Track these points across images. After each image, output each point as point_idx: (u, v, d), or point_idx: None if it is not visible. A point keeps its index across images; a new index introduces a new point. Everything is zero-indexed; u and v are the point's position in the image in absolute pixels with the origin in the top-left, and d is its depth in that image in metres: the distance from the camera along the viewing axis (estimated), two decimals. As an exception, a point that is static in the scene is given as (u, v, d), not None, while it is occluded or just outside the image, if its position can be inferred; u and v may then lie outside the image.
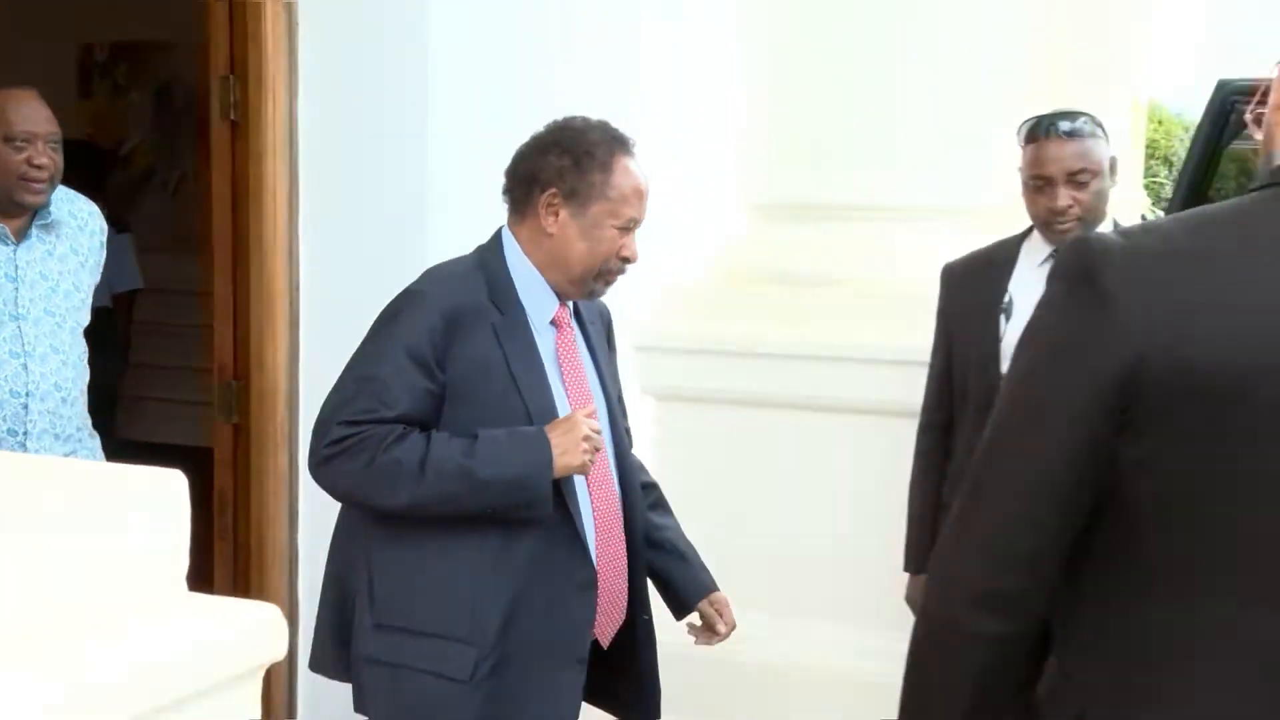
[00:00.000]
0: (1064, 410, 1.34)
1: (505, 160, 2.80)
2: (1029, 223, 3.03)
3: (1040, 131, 2.77)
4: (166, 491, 1.16)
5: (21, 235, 2.99)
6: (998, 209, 3.66)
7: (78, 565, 1.08)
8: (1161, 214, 2.85)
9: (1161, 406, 1.29)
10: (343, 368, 2.33)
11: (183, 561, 1.16)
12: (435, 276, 2.41)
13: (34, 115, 2.96)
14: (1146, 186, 7.25)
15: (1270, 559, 1.30)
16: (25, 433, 2.96)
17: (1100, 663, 1.39)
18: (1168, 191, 7.95)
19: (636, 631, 2.47)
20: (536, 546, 2.26)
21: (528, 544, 2.24)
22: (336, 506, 2.56)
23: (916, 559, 3.07)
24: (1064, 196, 2.72)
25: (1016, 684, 1.43)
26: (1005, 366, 2.79)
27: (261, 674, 1.16)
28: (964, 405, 2.98)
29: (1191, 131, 9.51)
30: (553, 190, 2.29)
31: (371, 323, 2.36)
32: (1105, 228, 2.85)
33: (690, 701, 3.57)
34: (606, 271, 2.36)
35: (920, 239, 3.66)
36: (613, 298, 4.00)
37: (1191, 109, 16.90)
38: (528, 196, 2.34)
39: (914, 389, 3.34)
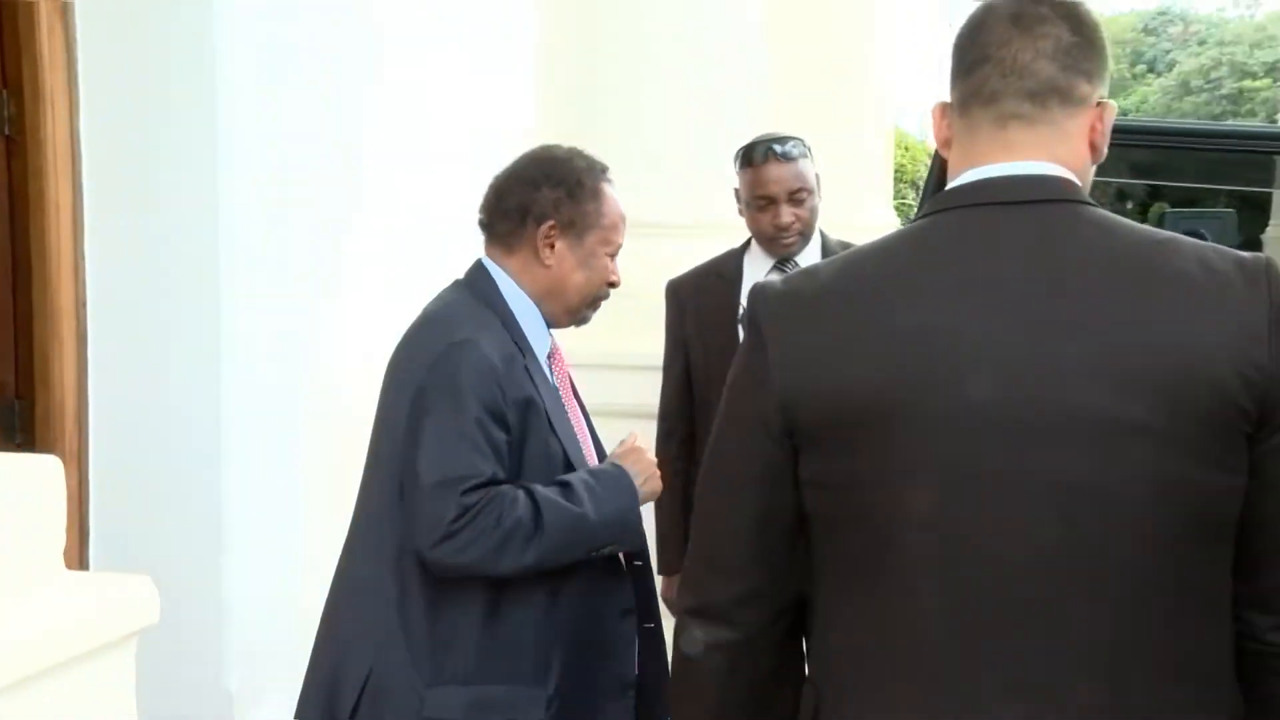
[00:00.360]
0: (745, 440, 1.44)
1: (296, 171, 2.78)
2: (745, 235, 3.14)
3: (759, 155, 2.91)
4: (42, 476, 1.19)
5: None
6: (717, 225, 3.79)
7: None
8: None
9: (812, 433, 1.38)
10: (422, 431, 2.11)
11: (59, 540, 1.20)
12: (462, 319, 2.22)
13: None
14: (896, 209, 7.63)
15: (921, 561, 1.36)
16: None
17: (817, 663, 1.48)
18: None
19: (648, 641, 2.37)
20: (585, 580, 2.19)
21: (577, 579, 2.17)
22: (128, 525, 2.43)
23: (668, 562, 3.12)
24: (786, 214, 2.87)
25: (758, 684, 1.48)
26: None
27: (134, 642, 1.21)
28: (705, 412, 2.97)
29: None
30: (550, 223, 2.23)
31: (417, 380, 2.16)
32: (815, 241, 3.02)
33: None
34: (597, 298, 2.32)
35: (647, 250, 3.62)
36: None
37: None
38: (519, 230, 2.26)
39: (647, 392, 3.42)
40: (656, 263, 3.61)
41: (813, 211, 2.92)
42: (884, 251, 1.47)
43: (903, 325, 1.36)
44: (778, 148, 2.89)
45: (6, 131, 3.15)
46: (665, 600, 3.05)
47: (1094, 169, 1.52)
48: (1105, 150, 1.48)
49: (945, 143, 1.51)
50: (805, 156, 2.93)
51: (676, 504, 3.05)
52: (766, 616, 1.46)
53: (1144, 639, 1.35)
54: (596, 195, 2.29)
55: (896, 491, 1.36)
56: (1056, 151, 1.42)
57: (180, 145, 3.10)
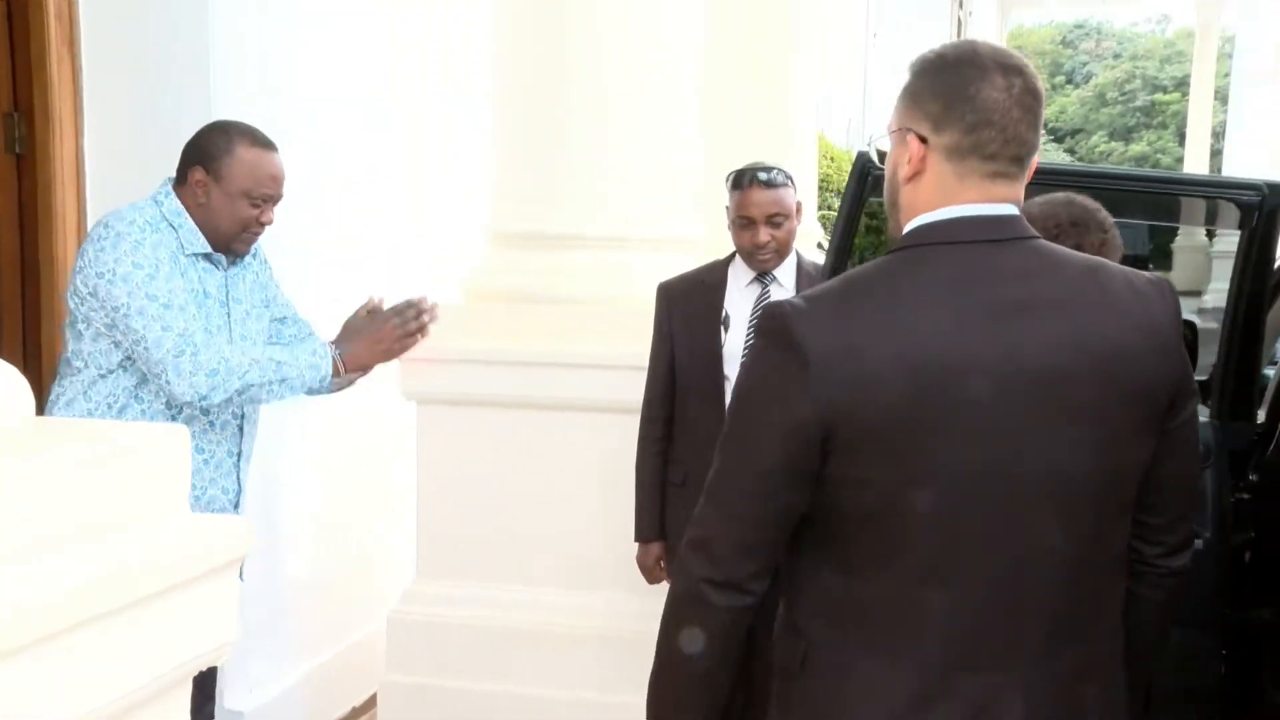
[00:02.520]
0: (779, 442, 1.60)
1: (292, 186, 3.02)
2: (711, 248, 3.41)
3: (744, 181, 3.18)
4: (172, 439, 1.56)
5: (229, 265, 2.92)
6: (689, 239, 4.05)
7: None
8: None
9: (847, 441, 1.56)
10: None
11: (185, 488, 1.57)
12: None
13: (278, 177, 2.89)
14: (821, 218, 7.82)
15: (932, 549, 1.59)
16: (240, 453, 2.89)
17: (821, 620, 1.67)
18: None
19: None
20: None
21: None
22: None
23: (645, 528, 3.39)
24: (764, 234, 3.14)
25: (742, 637, 1.71)
26: (727, 367, 3.21)
27: (236, 567, 1.58)
28: (685, 399, 3.30)
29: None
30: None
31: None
32: (791, 259, 3.28)
33: (457, 665, 3.86)
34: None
35: (628, 264, 3.93)
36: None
37: (858, 144, 18.16)
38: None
39: (628, 389, 3.58)
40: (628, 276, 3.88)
41: (790, 233, 3.19)
42: (891, 279, 1.64)
43: (921, 348, 1.56)
44: (762, 175, 3.16)
45: (18, 150, 3.43)
46: (640, 564, 3.39)
47: None
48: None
49: (915, 174, 1.68)
50: (787, 185, 3.18)
51: (656, 480, 3.34)
52: (767, 585, 1.69)
53: (1099, 604, 1.68)
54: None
55: (916, 489, 1.57)
56: (1018, 196, 1.68)
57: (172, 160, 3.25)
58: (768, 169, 3.19)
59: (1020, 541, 1.60)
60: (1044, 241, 1.69)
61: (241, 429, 2.89)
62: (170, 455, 1.55)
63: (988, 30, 25.25)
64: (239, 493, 2.92)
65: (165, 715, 1.54)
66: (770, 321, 1.64)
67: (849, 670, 1.65)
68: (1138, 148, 35.77)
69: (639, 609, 3.70)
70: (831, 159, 11.17)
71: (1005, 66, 1.64)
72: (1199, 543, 2.06)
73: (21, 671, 1.29)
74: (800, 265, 3.29)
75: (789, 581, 1.72)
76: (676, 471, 3.33)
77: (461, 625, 3.90)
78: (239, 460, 2.90)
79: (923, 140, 1.66)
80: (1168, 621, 1.85)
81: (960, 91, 1.63)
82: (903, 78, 1.72)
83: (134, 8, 3.53)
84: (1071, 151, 36.96)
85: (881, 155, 2.64)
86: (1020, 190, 1.69)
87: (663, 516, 3.32)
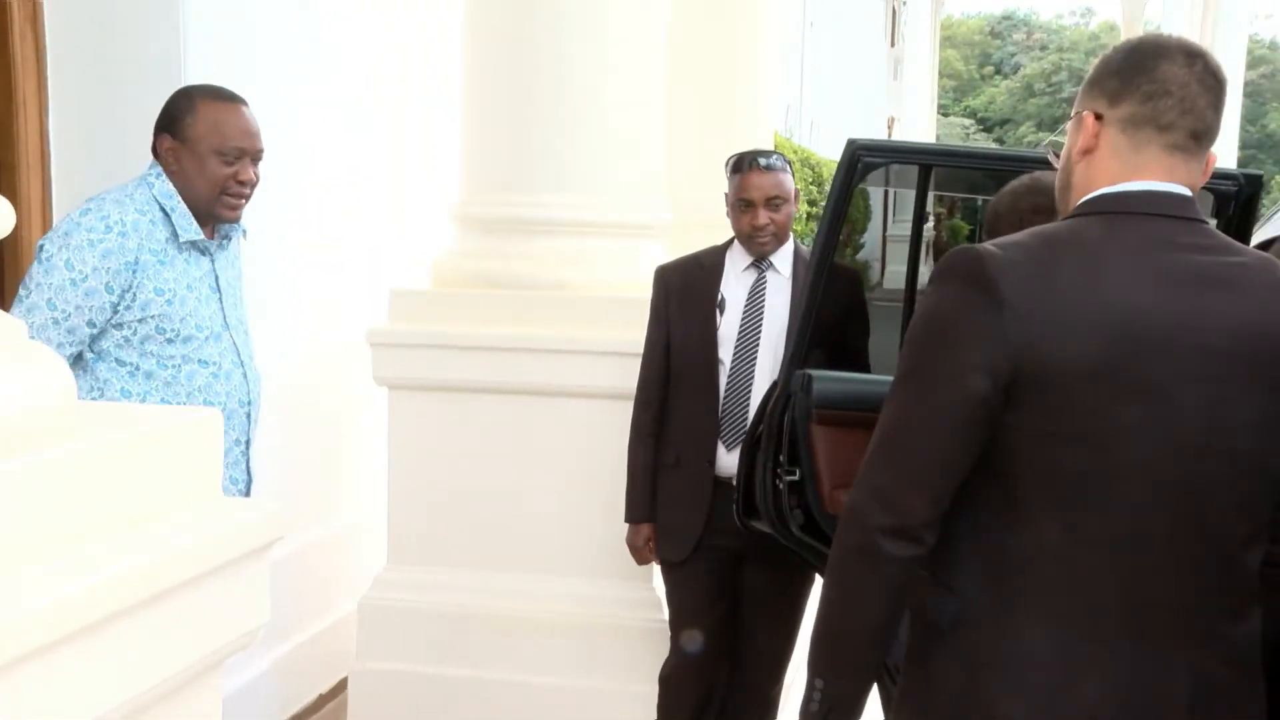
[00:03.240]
0: (965, 383, 1.59)
1: (260, 166, 3.00)
2: (675, 235, 3.44)
3: (745, 165, 3.18)
4: (204, 423, 1.54)
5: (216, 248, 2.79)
6: (655, 226, 4.06)
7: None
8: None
9: (1031, 383, 1.58)
10: None
11: (217, 471, 1.54)
12: None
13: (248, 130, 2.75)
14: None
15: (1086, 499, 1.59)
16: (248, 441, 2.80)
17: (973, 575, 1.67)
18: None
19: None
20: None
21: None
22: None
23: (636, 510, 3.38)
24: (763, 216, 3.14)
25: (910, 591, 1.69)
26: (721, 350, 3.22)
27: (271, 548, 1.56)
28: (679, 381, 3.29)
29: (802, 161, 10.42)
30: None
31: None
32: (789, 246, 3.28)
33: (429, 651, 3.86)
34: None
35: (593, 250, 3.94)
36: (352, 301, 4.22)
37: (798, 129, 18.34)
38: None
39: (596, 374, 3.66)
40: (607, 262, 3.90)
41: (788, 217, 3.21)
42: (1083, 238, 1.65)
43: (1120, 307, 1.57)
44: (761, 160, 3.17)
45: (-20, 130, 3.34)
46: (630, 545, 3.40)
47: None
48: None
49: (1086, 150, 1.71)
50: (785, 170, 3.20)
51: (648, 461, 3.33)
52: (935, 540, 1.66)
53: (1252, 587, 1.67)
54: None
55: (1097, 444, 1.58)
56: (1195, 181, 1.69)
57: (142, 143, 3.17)
58: (766, 154, 3.22)
59: (1193, 511, 1.61)
60: (1212, 227, 1.71)
61: (250, 416, 2.83)
62: (204, 438, 1.53)
63: (920, 19, 25.54)
64: (249, 482, 2.88)
65: (201, 700, 1.53)
66: (961, 262, 1.64)
67: (1005, 631, 1.64)
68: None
69: (608, 594, 3.80)
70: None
71: (1189, 50, 1.67)
72: None
73: (64, 662, 1.27)
74: (798, 252, 3.31)
75: (944, 536, 1.69)
76: (668, 453, 3.33)
77: (433, 612, 3.89)
78: (247, 448, 2.85)
79: (1098, 117, 1.69)
80: None
81: (1140, 65, 1.66)
82: (1063, 60, 1.76)
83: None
84: (1000, 141, 37.51)
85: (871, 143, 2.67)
86: (1197, 174, 1.70)
87: (653, 498, 3.34)
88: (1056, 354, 1.57)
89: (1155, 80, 1.65)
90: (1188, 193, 1.68)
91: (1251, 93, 32.19)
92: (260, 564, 1.56)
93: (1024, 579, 1.64)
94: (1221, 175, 2.72)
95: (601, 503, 3.68)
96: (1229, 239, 1.72)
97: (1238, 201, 2.67)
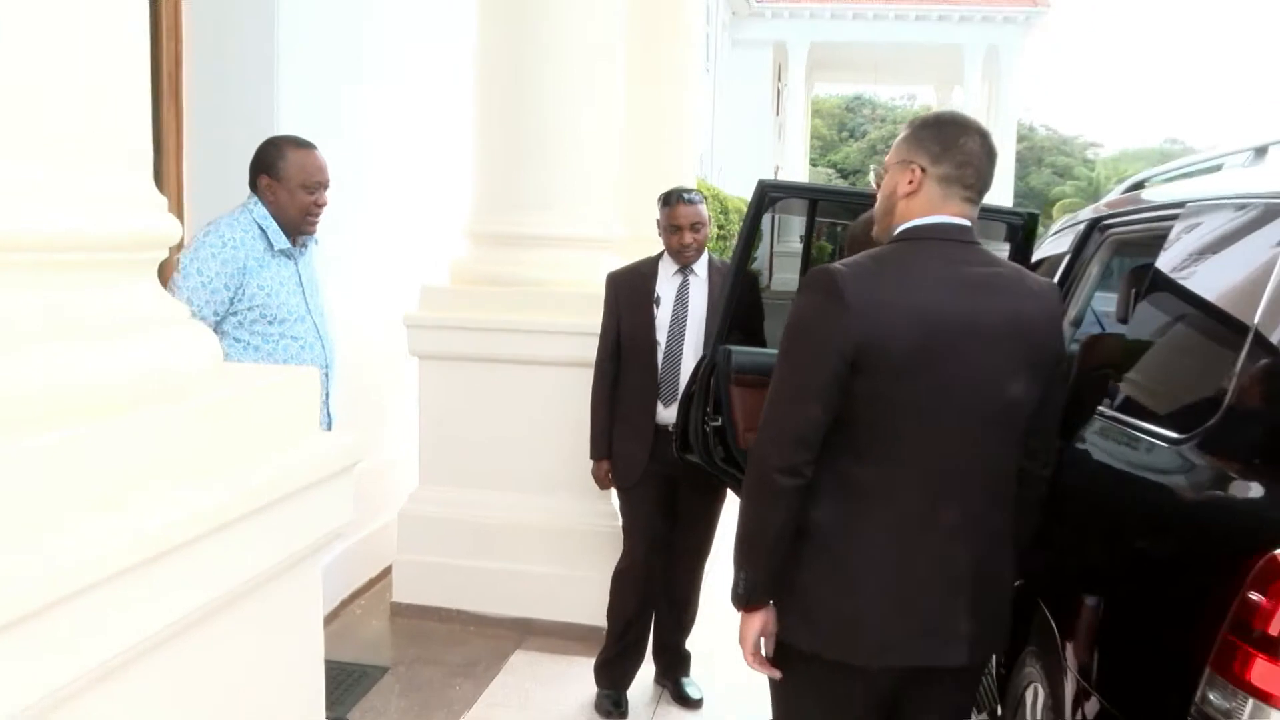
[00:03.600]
0: (823, 362, 1.65)
1: (342, 185, 2.87)
2: (626, 245, 3.43)
3: (674, 199, 3.16)
4: (304, 380, 1.57)
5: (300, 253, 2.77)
6: (612, 239, 4.07)
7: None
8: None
9: (867, 362, 1.64)
10: None
11: (315, 413, 1.58)
12: None
13: (323, 168, 2.75)
14: None
15: (904, 441, 1.67)
16: (327, 394, 2.75)
17: (829, 498, 1.71)
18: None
19: None
20: None
21: None
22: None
23: (597, 450, 3.28)
24: (688, 237, 3.13)
25: (800, 503, 1.71)
26: (658, 335, 3.18)
27: (353, 470, 1.60)
28: (626, 359, 3.23)
29: (713, 196, 10.31)
30: None
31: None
32: (704, 256, 3.24)
33: (451, 547, 3.84)
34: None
35: (576, 257, 3.94)
36: (394, 294, 4.07)
37: (710, 173, 18.24)
38: None
39: (571, 349, 3.65)
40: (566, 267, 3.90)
41: (705, 237, 3.19)
42: (899, 259, 1.73)
43: (925, 306, 1.65)
44: (686, 195, 3.14)
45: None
46: (594, 476, 3.31)
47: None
48: None
49: (909, 193, 1.76)
50: (703, 203, 3.18)
51: (606, 414, 3.25)
52: (813, 469, 1.72)
53: (1010, 491, 1.77)
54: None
55: (907, 401, 1.66)
56: (974, 216, 1.78)
57: (235, 174, 3.06)
58: (689, 191, 3.20)
59: (980, 448, 1.70)
60: (981, 247, 1.79)
61: (328, 376, 2.82)
62: (308, 388, 1.57)
63: (797, 96, 25.57)
64: (330, 423, 2.85)
65: (310, 573, 1.58)
66: (819, 277, 1.69)
67: (848, 537, 1.71)
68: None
69: (575, 508, 3.81)
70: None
71: (981, 130, 1.77)
72: None
73: (221, 543, 1.31)
74: (711, 261, 3.28)
75: (815, 471, 1.73)
76: (621, 409, 3.27)
77: (455, 519, 3.89)
78: (327, 399, 2.83)
79: (923, 170, 1.75)
80: (1036, 518, 1.89)
81: (953, 140, 1.75)
82: (896, 129, 1.80)
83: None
84: (854, 184, 37.65)
85: (777, 184, 2.72)
86: (976, 212, 1.79)
87: (610, 442, 3.29)
88: (883, 342, 1.64)
89: (964, 154, 1.74)
90: (969, 224, 1.77)
91: (1019, 159, 32.93)
92: (348, 477, 1.60)
93: (862, 502, 1.70)
94: (1011, 212, 2.82)
95: (570, 441, 3.67)
96: (993, 254, 1.80)
97: (1022, 231, 2.76)
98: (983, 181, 1.76)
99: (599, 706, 3.26)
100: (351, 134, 3.93)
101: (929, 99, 33.63)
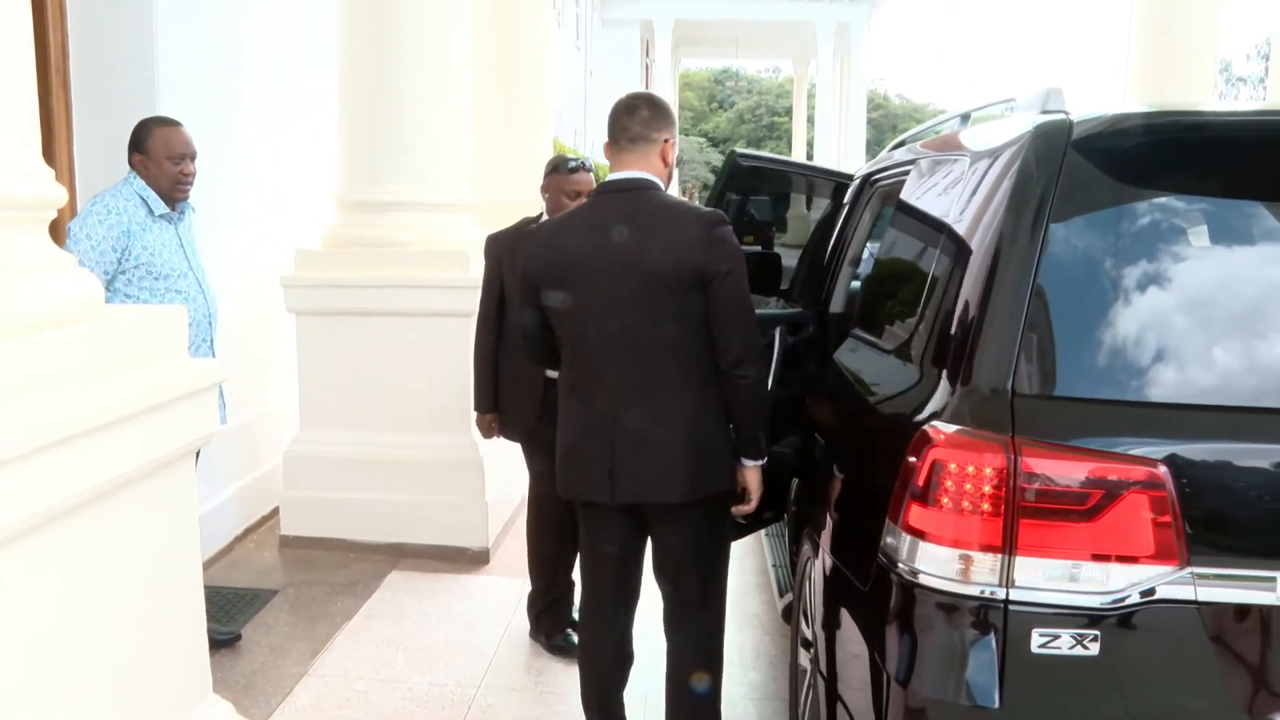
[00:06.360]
0: (525, 291, 2.20)
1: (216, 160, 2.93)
2: (478, 209, 3.46)
3: (563, 168, 3.00)
4: (172, 311, 1.78)
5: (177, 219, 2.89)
6: (465, 204, 4.15)
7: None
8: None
9: (543, 287, 2.14)
10: None
11: (184, 341, 1.79)
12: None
13: (187, 142, 2.87)
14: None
15: (578, 343, 2.14)
16: (211, 340, 2.89)
17: (564, 380, 2.22)
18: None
19: None
20: None
21: None
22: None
23: (483, 404, 3.15)
24: (577, 201, 2.88)
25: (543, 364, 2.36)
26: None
27: (218, 389, 1.80)
28: (509, 314, 3.06)
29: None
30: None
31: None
32: None
33: (332, 482, 3.93)
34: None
35: (433, 219, 4.00)
36: (273, 256, 4.10)
37: (584, 146, 18.28)
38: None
39: (435, 301, 3.73)
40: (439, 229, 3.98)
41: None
42: (577, 210, 2.18)
43: (570, 245, 2.09)
44: (572, 163, 3.02)
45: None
46: (479, 425, 3.20)
47: (675, 172, 2.23)
48: (674, 165, 2.20)
49: (609, 159, 2.18)
50: (588, 170, 3.07)
51: (490, 369, 3.13)
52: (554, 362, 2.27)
53: (661, 377, 2.13)
54: None
55: (573, 309, 2.11)
56: (642, 166, 2.12)
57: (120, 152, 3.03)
58: (579, 159, 3.10)
59: (627, 353, 2.11)
60: (655, 191, 2.10)
61: (210, 323, 2.97)
62: (176, 320, 1.79)
63: (665, 70, 25.73)
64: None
65: (185, 471, 1.79)
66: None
67: (567, 395, 2.22)
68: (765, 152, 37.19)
69: (442, 442, 3.94)
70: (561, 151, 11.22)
71: (627, 97, 2.17)
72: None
73: (101, 442, 1.53)
74: None
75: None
76: (503, 363, 3.16)
77: (334, 457, 3.98)
78: (212, 345, 2.98)
79: (606, 145, 2.16)
80: (745, 405, 2.15)
81: (613, 116, 2.17)
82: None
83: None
84: (723, 153, 38.09)
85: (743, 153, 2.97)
86: (642, 160, 2.13)
87: (496, 395, 3.17)
88: (548, 275, 2.12)
89: (616, 121, 2.16)
90: (641, 175, 2.12)
91: (874, 126, 33.97)
92: (213, 394, 1.81)
93: (568, 379, 2.20)
94: (844, 175, 3.09)
95: (436, 383, 3.78)
96: (664, 198, 2.13)
97: (844, 188, 2.98)
98: (617, 127, 2.11)
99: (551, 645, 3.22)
100: (229, 114, 3.96)
101: (790, 71, 34.22)
